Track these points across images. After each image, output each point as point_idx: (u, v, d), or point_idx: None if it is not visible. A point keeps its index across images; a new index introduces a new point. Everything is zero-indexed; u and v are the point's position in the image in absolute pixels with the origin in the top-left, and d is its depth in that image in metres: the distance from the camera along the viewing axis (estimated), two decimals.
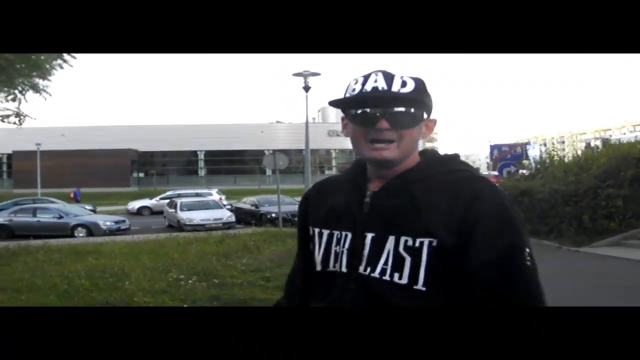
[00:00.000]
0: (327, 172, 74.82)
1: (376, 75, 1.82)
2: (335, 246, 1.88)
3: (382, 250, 1.78)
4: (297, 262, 2.15)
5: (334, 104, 1.89)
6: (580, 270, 12.91)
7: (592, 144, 76.50)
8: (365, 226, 1.83)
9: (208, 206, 29.94)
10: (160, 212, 34.56)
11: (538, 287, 1.73)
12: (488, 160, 60.83)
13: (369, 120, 1.81)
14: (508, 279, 1.69)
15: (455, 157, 1.97)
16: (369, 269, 1.78)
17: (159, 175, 69.81)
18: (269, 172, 57.29)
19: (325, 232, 1.93)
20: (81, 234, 25.65)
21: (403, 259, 1.74)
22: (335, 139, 75.78)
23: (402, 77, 1.82)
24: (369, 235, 1.81)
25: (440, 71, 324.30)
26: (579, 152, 25.72)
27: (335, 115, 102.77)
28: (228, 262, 13.12)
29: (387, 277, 1.75)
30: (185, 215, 27.66)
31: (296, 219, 2.21)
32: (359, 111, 1.83)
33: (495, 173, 34.98)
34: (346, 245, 1.85)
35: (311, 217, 2.03)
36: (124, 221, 28.06)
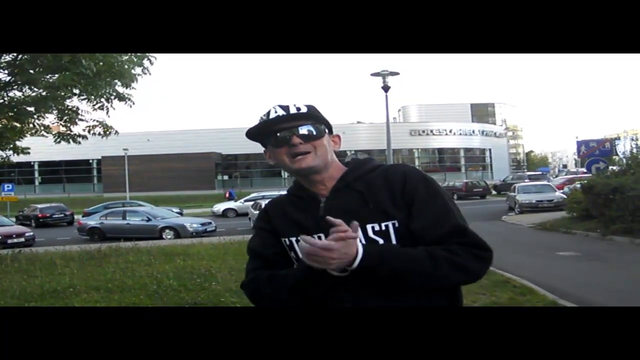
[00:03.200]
0: None
1: (274, 108, 2.22)
2: None
3: None
4: (258, 264, 2.32)
5: (250, 133, 2.27)
6: None
7: None
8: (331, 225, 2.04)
9: None
10: (246, 214, 34.98)
11: (475, 237, 2.08)
12: (575, 156, 59.25)
13: (283, 140, 2.18)
14: (446, 235, 2.06)
15: (372, 158, 2.39)
16: None
17: (243, 178, 70.75)
18: None
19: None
20: (169, 236, 26.23)
21: (376, 242, 2.07)
22: (417, 138, 75.14)
23: (295, 105, 2.22)
24: None
25: (525, 64, 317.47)
26: None
27: (418, 115, 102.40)
28: None
29: None
30: None
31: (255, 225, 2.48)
32: (275, 136, 2.20)
33: (584, 170, 34.00)
34: None
35: (279, 229, 2.28)
36: (210, 223, 28.49)
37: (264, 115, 2.23)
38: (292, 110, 2.19)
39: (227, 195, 50.50)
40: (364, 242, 2.04)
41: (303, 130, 2.18)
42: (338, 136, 2.35)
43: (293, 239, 2.21)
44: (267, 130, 2.22)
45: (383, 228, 2.08)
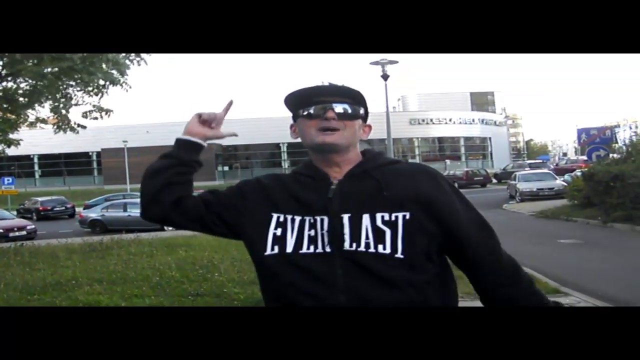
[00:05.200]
0: (410, 161, 74.16)
1: (322, 81, 2.29)
2: (309, 230, 2.04)
3: (360, 227, 2.00)
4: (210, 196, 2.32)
5: (289, 97, 2.22)
6: None
7: None
8: (339, 208, 2.03)
9: None
10: None
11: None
12: (576, 144, 59.28)
13: (318, 112, 2.12)
14: (485, 233, 2.13)
15: (384, 152, 2.38)
16: (354, 245, 1.98)
17: (243, 169, 70.76)
18: None
19: (297, 219, 2.07)
20: (170, 228, 26.10)
21: (383, 232, 1.99)
22: (417, 128, 75.06)
23: (344, 84, 2.21)
24: (346, 216, 2.02)
25: (524, 53, 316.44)
26: None
27: (417, 104, 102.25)
28: None
29: (372, 249, 1.97)
30: None
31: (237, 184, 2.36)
32: (310, 106, 2.14)
33: (584, 158, 34.01)
34: (325, 228, 2.02)
35: (272, 203, 2.15)
36: None
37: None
38: (337, 85, 2.20)
39: None
40: (370, 230, 2.00)
41: (340, 107, 2.13)
42: (369, 127, 2.31)
43: (289, 217, 2.10)
44: (306, 99, 2.18)
45: (392, 219, 2.01)
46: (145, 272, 11.69)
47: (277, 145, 74.25)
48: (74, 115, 17.90)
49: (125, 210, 28.60)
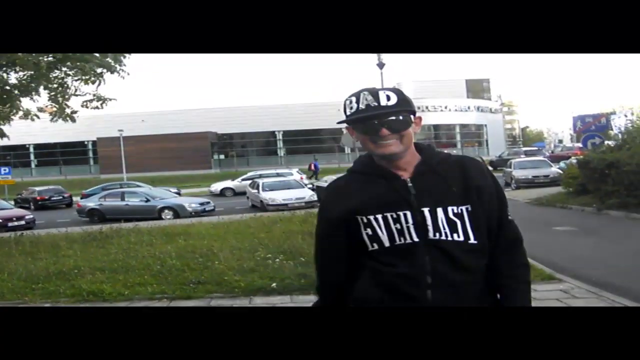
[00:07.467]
0: None
1: (363, 94, 2.28)
2: (395, 224, 2.28)
3: (437, 219, 2.27)
4: (332, 254, 2.54)
5: (341, 122, 2.35)
6: None
7: None
8: (419, 203, 2.28)
9: (290, 186, 29.90)
10: (243, 193, 34.98)
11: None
12: (571, 132, 59.21)
13: (371, 130, 2.28)
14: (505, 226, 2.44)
15: (434, 145, 2.58)
16: (437, 235, 2.26)
17: (239, 157, 70.61)
18: (347, 150, 57.12)
19: (380, 217, 2.30)
20: (168, 216, 26.26)
21: (455, 223, 2.28)
22: None
23: (385, 92, 2.29)
24: (425, 210, 2.27)
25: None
26: None
27: (413, 92, 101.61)
28: (313, 240, 13.19)
29: (450, 238, 2.26)
30: (268, 196, 27.79)
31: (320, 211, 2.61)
32: (363, 124, 2.29)
33: (579, 145, 34.04)
34: (410, 221, 2.27)
35: (353, 208, 2.35)
36: (208, 203, 28.43)
37: (353, 98, 2.32)
38: (382, 100, 2.27)
39: (311, 167, 49.21)
40: (445, 221, 2.28)
41: (392, 122, 2.27)
42: (420, 118, 2.43)
43: (371, 217, 2.32)
44: (355, 119, 2.31)
45: (460, 211, 2.30)
46: (146, 261, 11.81)
47: (273, 134, 74.12)
48: (73, 104, 17.86)
49: (123, 199, 28.64)
